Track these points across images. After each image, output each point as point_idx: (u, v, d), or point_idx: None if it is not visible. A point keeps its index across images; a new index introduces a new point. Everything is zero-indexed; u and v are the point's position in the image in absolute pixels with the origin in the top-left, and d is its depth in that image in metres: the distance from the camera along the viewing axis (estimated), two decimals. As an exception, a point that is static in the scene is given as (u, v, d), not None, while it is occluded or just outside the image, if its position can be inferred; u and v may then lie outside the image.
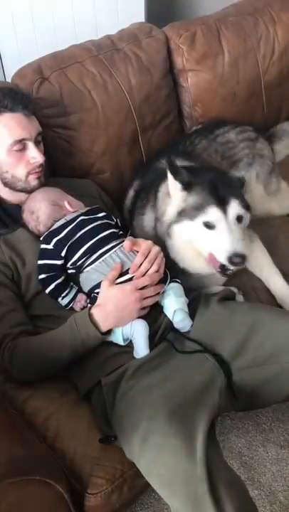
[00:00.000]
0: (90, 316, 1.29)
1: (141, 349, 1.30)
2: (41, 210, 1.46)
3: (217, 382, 1.26)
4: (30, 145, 1.46)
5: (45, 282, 1.40)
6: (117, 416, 1.23)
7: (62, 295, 1.40)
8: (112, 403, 1.26)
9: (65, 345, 1.30)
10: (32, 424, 1.28)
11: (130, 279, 1.35)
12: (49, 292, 1.40)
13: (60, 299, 1.41)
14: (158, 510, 1.57)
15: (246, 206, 1.42)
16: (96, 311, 1.30)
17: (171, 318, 1.36)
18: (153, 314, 1.38)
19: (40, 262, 1.42)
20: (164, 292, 1.39)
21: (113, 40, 1.93)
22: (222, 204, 1.37)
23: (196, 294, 1.48)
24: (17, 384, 1.37)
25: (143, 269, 1.34)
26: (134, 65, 1.89)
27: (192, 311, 1.40)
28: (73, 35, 2.55)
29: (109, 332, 1.31)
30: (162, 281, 1.39)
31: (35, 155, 1.47)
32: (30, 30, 2.58)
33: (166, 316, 1.38)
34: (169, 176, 1.42)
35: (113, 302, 1.30)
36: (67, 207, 1.48)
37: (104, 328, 1.29)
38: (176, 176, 1.41)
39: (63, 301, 1.41)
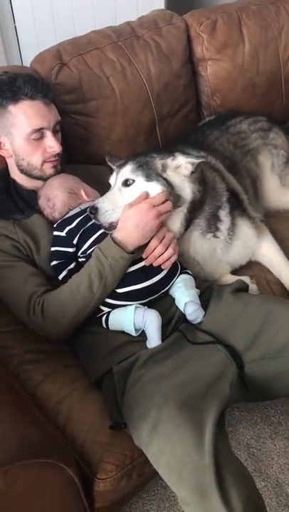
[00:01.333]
0: (114, 240, 1.32)
1: (153, 339, 1.31)
2: (57, 197, 1.46)
3: (228, 373, 1.26)
4: (48, 134, 1.46)
5: (58, 269, 1.41)
6: (127, 404, 1.23)
7: None
8: (122, 391, 1.26)
9: (94, 277, 1.31)
10: (43, 408, 1.29)
11: (143, 267, 1.35)
12: (62, 279, 1.40)
13: None
14: (164, 498, 1.59)
15: (146, 174, 1.39)
16: (118, 234, 1.33)
17: (182, 311, 1.36)
18: (165, 305, 1.38)
19: (53, 248, 1.42)
20: (175, 284, 1.39)
21: (133, 27, 1.91)
22: (119, 168, 1.43)
23: (208, 285, 1.48)
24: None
25: (157, 253, 1.34)
26: (153, 52, 1.87)
27: (204, 302, 1.40)
28: (92, 21, 2.53)
29: (135, 252, 1.33)
30: (173, 272, 1.39)
31: (52, 144, 1.46)
32: (48, 15, 2.57)
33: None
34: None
35: (132, 222, 1.32)
36: (83, 196, 1.48)
37: (129, 247, 1.32)
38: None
39: None
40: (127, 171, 1.40)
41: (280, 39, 2.11)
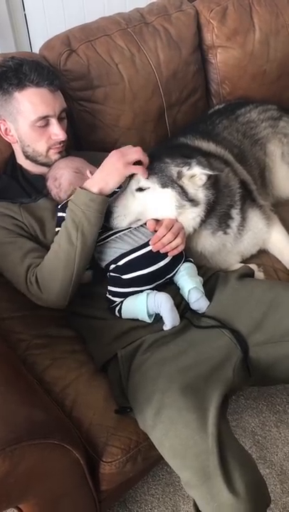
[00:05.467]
0: (82, 187, 1.34)
1: (168, 320, 1.31)
2: (64, 176, 1.47)
3: (232, 357, 1.26)
4: (54, 121, 1.46)
5: None
6: (132, 388, 1.24)
7: None
8: (127, 375, 1.28)
9: (70, 227, 1.32)
10: (50, 392, 1.30)
11: (148, 253, 1.35)
12: None
13: None
14: (170, 483, 1.60)
15: (161, 182, 1.38)
16: (87, 182, 1.35)
17: (186, 299, 1.37)
18: (171, 293, 1.37)
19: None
20: (178, 272, 1.40)
21: (142, 14, 1.90)
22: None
23: (214, 272, 1.48)
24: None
25: (165, 241, 1.34)
26: (163, 39, 1.86)
27: (210, 289, 1.40)
28: (101, 7, 2.52)
29: (103, 194, 1.33)
30: (177, 259, 1.40)
31: (57, 132, 1.47)
32: (58, 2, 2.55)
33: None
34: None
35: (99, 169, 1.34)
36: (89, 176, 1.48)
37: (93, 188, 1.32)
38: None
39: None
40: (140, 179, 1.38)
41: (291, 26, 2.08)
